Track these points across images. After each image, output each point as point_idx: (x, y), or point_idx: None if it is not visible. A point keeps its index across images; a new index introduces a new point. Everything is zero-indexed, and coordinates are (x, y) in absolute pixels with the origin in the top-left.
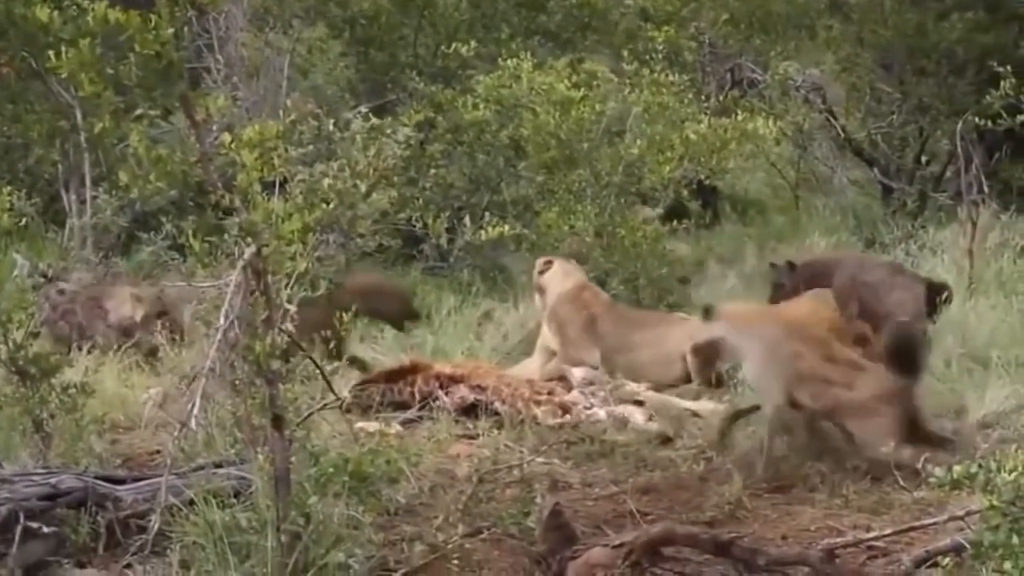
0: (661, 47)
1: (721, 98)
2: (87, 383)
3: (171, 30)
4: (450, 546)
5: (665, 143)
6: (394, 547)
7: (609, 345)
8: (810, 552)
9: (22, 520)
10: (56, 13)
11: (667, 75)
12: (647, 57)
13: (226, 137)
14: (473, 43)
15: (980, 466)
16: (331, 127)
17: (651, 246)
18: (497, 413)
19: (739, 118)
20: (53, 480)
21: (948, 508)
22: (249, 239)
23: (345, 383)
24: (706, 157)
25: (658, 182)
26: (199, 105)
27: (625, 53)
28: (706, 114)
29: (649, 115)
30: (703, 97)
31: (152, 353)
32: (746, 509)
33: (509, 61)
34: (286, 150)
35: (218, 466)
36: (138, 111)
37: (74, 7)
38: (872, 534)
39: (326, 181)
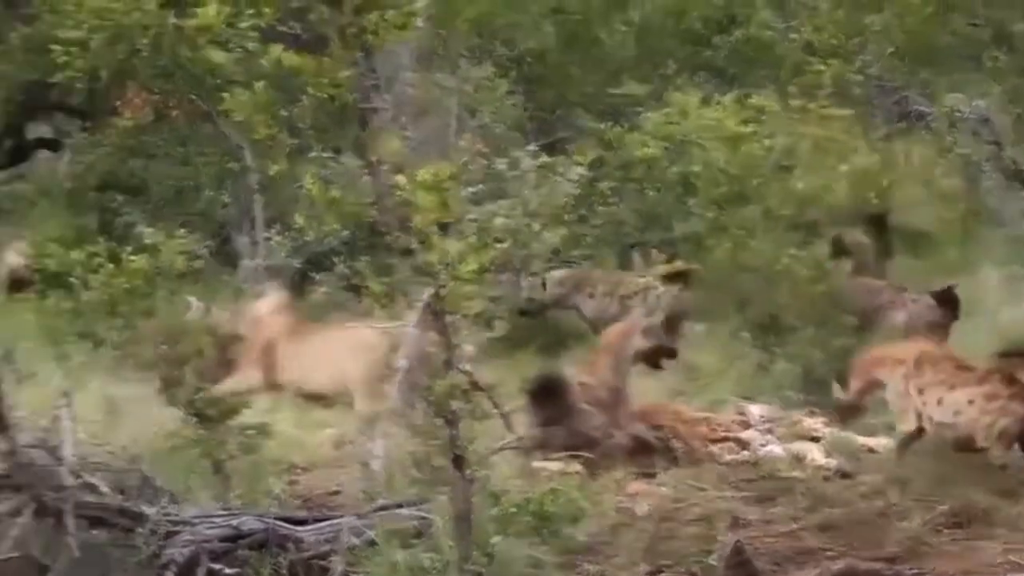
0: (828, 81)
1: (888, 131)
2: (265, 424)
3: (346, 72)
4: None
5: (833, 177)
6: None
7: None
8: None
9: (205, 561)
10: (228, 56)
11: (828, 107)
12: (814, 91)
13: (400, 178)
14: (639, 80)
15: None
16: (502, 166)
17: (820, 279)
18: (674, 451)
19: (907, 152)
20: (235, 522)
21: None
22: (427, 280)
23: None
24: (874, 190)
25: (826, 216)
26: (374, 146)
27: (792, 88)
28: (874, 148)
29: (817, 149)
30: (870, 130)
31: None
32: (927, 545)
33: (676, 96)
34: (460, 188)
35: (399, 506)
36: (312, 153)
37: (240, 49)
38: None
39: (498, 220)
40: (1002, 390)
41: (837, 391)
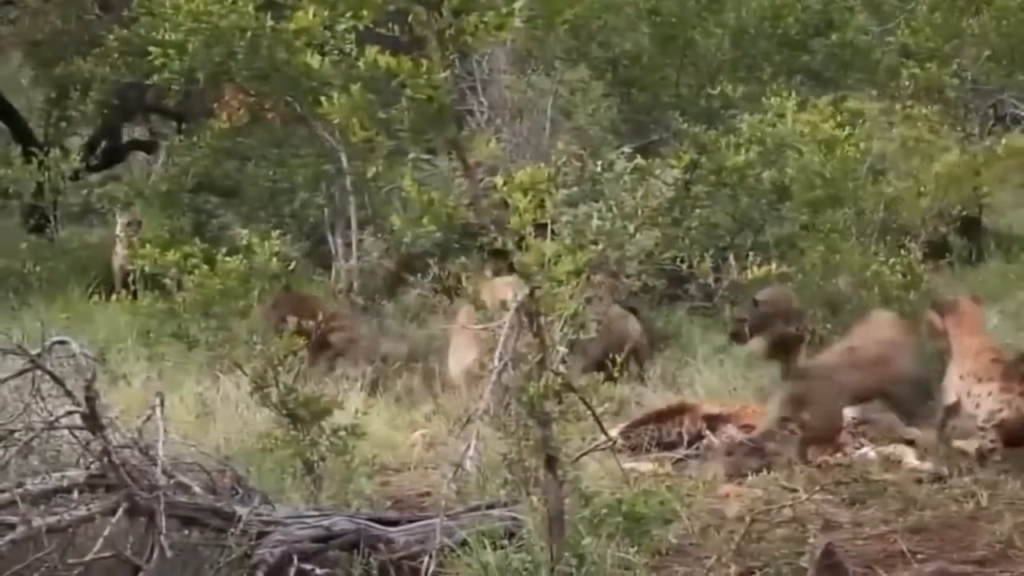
0: (909, 83)
1: (982, 133)
2: (357, 425)
3: (443, 74)
4: None
5: (922, 177)
6: None
7: None
8: None
9: (296, 562)
10: (325, 59)
11: (921, 109)
12: (902, 92)
13: (497, 180)
14: (735, 84)
15: None
16: (597, 168)
17: (912, 283)
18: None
19: (1002, 155)
20: (326, 522)
21: None
22: (522, 281)
23: (614, 423)
24: (959, 187)
25: (917, 217)
26: (471, 148)
27: (877, 91)
28: (965, 149)
29: (905, 150)
30: (962, 130)
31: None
32: (1017, 548)
33: (772, 100)
34: (556, 190)
35: (490, 507)
36: (411, 155)
37: (336, 51)
38: None
39: (594, 222)
40: (1017, 386)
41: None
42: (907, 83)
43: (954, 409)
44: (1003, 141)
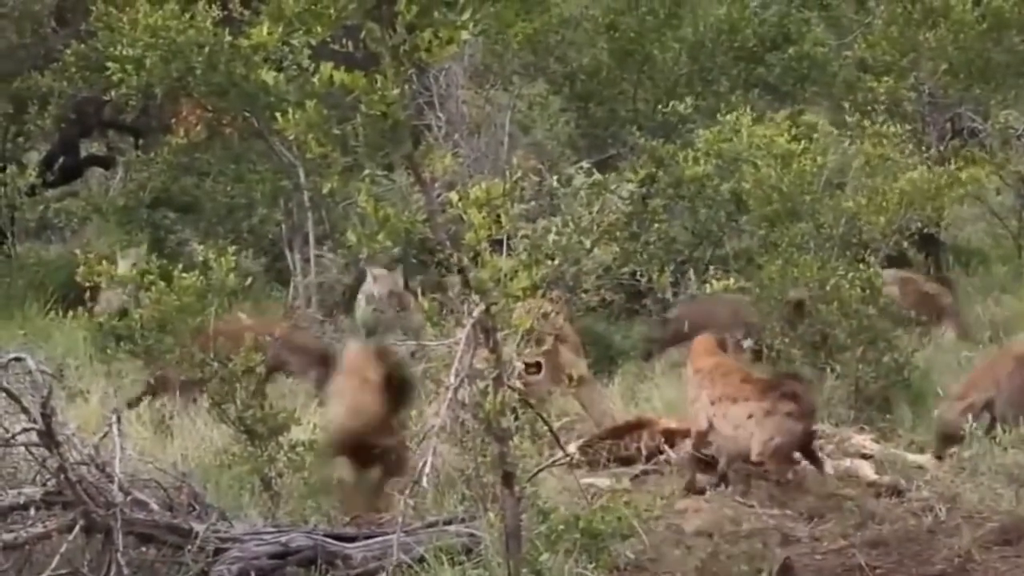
0: (883, 98)
1: (942, 148)
2: (315, 441)
3: (397, 90)
4: None
5: (884, 194)
6: None
7: None
8: None
9: None
10: (281, 75)
11: (889, 126)
12: (868, 108)
13: (453, 196)
14: (692, 98)
15: None
16: (554, 183)
17: (871, 297)
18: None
19: (954, 165)
20: (283, 538)
21: None
22: (477, 297)
23: (571, 439)
24: (921, 205)
25: (877, 232)
26: (426, 164)
27: (846, 105)
28: (927, 165)
29: (870, 167)
30: (923, 147)
31: None
32: (975, 562)
33: (729, 115)
34: (512, 205)
35: (448, 523)
36: (366, 171)
37: (294, 67)
38: None
39: (551, 237)
40: (781, 407)
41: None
42: (882, 97)
43: (706, 433)
44: (965, 172)
